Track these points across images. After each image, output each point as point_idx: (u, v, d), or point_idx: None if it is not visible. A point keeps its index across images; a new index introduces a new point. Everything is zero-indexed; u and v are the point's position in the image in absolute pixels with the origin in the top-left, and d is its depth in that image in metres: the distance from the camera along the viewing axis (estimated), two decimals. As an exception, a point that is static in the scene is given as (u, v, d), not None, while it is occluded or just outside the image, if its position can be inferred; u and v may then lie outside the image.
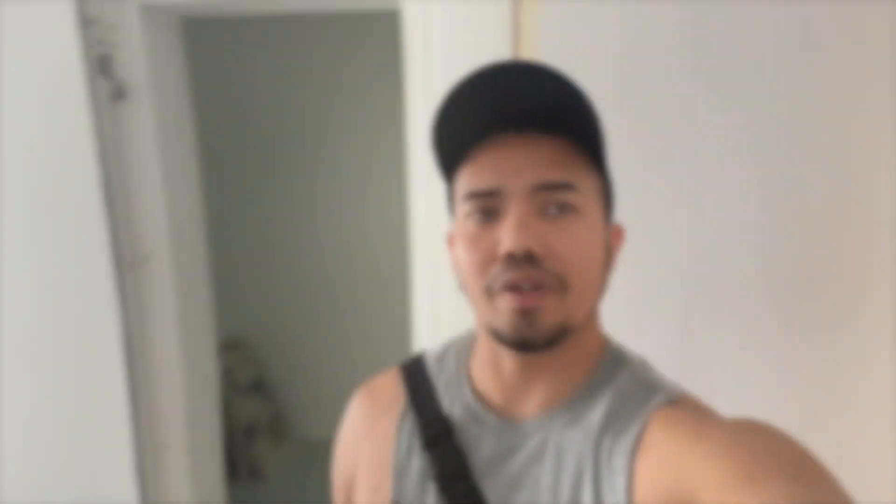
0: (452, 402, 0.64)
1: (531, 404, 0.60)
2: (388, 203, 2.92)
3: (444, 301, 1.26)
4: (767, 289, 1.13)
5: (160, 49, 1.41)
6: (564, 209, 0.54)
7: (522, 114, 0.54)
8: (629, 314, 1.04)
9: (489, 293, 0.55)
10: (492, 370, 0.62)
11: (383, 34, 2.31)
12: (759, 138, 1.09)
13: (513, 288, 0.53)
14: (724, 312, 1.14)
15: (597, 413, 0.57)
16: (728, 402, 0.62)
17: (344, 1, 1.52)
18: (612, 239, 0.61)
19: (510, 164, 0.54)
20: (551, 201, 0.54)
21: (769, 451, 0.46)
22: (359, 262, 3.07)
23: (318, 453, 3.02)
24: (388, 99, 2.53)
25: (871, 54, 1.05)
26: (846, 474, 0.47)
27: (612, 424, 0.55)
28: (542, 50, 1.11)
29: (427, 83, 1.22)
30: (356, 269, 3.07)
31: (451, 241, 0.64)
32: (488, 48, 1.16)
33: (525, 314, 0.53)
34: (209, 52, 2.65)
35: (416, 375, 0.69)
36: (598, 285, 0.59)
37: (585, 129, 0.55)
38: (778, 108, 1.08)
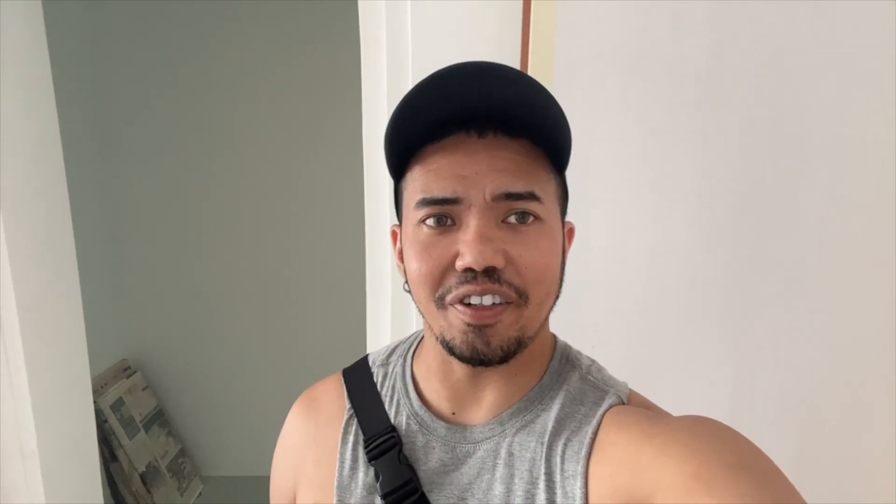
0: (398, 410, 0.62)
1: (481, 410, 0.58)
2: (336, 204, 2.54)
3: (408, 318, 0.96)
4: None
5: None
6: (526, 218, 0.52)
7: (486, 115, 0.52)
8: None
9: (441, 304, 0.52)
10: (440, 376, 0.59)
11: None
12: (787, 141, 1.03)
13: (468, 302, 0.51)
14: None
15: (549, 417, 0.55)
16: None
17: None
18: (565, 239, 0.59)
19: (470, 171, 0.51)
20: (514, 210, 0.52)
21: (722, 451, 0.45)
22: (284, 267, 2.64)
23: (233, 493, 2.66)
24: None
25: (871, 54, 1.01)
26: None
27: (565, 428, 0.54)
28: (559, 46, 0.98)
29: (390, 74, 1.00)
30: (279, 274, 2.65)
31: (394, 236, 0.61)
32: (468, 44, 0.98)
33: (480, 331, 0.51)
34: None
35: (359, 382, 0.66)
36: (556, 292, 0.57)
37: (551, 132, 0.53)
38: (799, 111, 1.03)
